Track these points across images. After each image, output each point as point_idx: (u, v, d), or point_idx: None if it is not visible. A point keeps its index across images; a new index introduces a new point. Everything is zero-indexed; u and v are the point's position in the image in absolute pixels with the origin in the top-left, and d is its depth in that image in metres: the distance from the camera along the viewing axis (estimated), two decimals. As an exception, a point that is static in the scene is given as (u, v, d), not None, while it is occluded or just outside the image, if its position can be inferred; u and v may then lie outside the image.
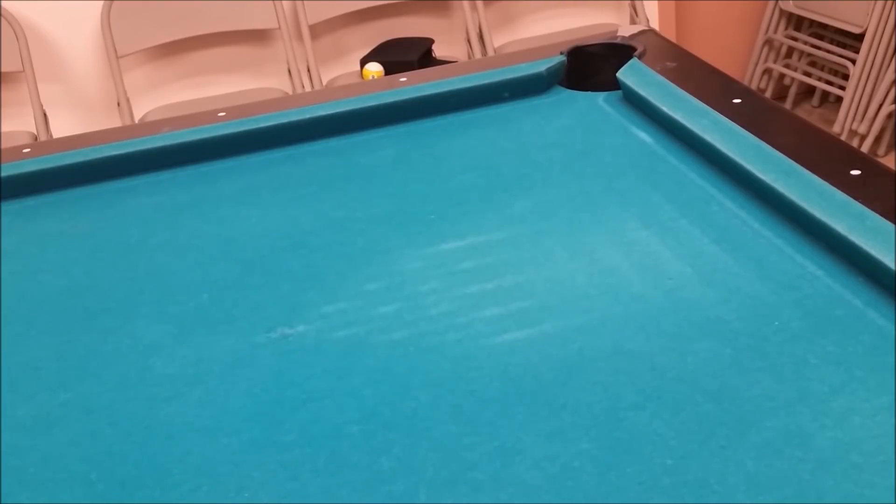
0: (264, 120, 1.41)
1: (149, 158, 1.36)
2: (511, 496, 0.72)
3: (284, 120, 1.41)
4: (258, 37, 2.95)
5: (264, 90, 2.90)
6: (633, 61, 1.44)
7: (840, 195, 0.99)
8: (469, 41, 3.07)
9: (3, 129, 2.71)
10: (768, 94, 3.48)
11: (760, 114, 1.24)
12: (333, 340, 0.94)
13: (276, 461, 0.78)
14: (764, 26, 3.48)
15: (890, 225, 0.92)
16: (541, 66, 1.48)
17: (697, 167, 1.19)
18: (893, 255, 0.89)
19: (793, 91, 3.50)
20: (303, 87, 2.89)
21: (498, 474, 0.74)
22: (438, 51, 2.98)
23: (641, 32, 1.56)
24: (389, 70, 2.70)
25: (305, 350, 0.93)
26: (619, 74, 1.42)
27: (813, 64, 3.44)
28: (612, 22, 3.17)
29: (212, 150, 1.38)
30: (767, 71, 3.53)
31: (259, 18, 2.85)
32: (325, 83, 2.92)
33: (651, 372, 0.84)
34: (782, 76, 3.51)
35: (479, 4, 3.03)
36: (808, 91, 3.53)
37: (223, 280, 1.08)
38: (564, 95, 1.48)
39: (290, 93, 2.88)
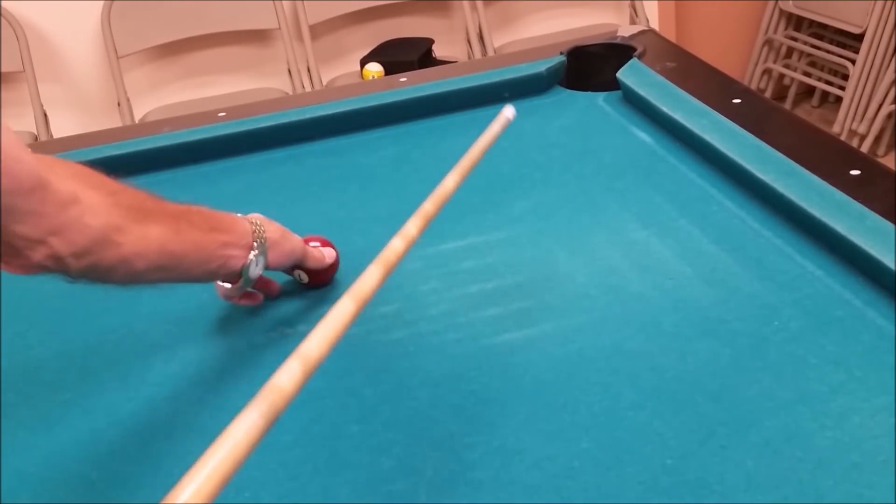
0: (264, 120, 1.41)
1: (149, 158, 1.36)
2: (511, 496, 0.72)
3: (284, 120, 1.41)
4: (258, 37, 2.95)
5: (264, 90, 2.90)
6: (633, 61, 1.44)
7: (840, 195, 0.99)
8: (469, 41, 3.07)
9: (4, 130, 2.71)
10: (768, 95, 3.48)
11: (760, 114, 1.25)
12: (333, 340, 0.94)
13: (276, 461, 0.78)
14: (764, 26, 3.49)
15: (890, 225, 0.92)
16: (541, 66, 1.48)
17: (697, 167, 1.19)
18: (893, 254, 0.89)
19: (792, 91, 3.50)
20: (303, 87, 2.89)
21: (498, 474, 0.74)
22: (438, 51, 2.98)
23: (641, 32, 1.56)
24: (389, 70, 2.71)
25: (305, 350, 0.93)
26: (619, 74, 1.42)
27: (813, 64, 3.44)
28: (611, 22, 3.18)
29: (212, 150, 1.38)
30: (767, 71, 3.53)
31: (259, 18, 2.85)
32: (325, 83, 2.93)
33: (651, 372, 0.84)
34: (782, 76, 3.51)
35: (479, 4, 3.04)
36: (807, 91, 3.53)
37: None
38: (564, 95, 1.48)
39: (290, 93, 2.88)
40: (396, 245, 0.74)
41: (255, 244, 0.88)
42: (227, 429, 0.52)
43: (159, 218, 0.79)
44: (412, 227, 0.78)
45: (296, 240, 0.96)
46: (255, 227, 0.90)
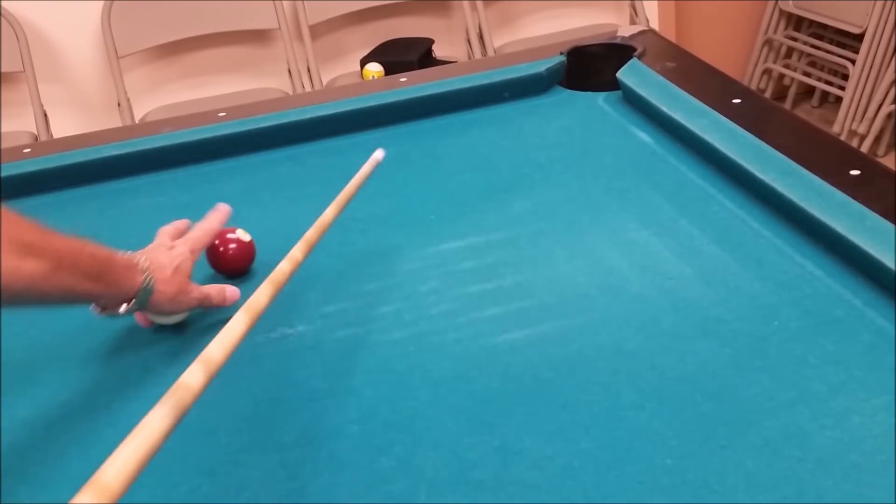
0: (264, 120, 1.41)
1: (149, 158, 1.36)
2: (511, 496, 0.72)
3: (284, 120, 1.41)
4: (258, 37, 2.95)
5: (264, 90, 2.90)
6: (633, 61, 1.44)
7: (839, 195, 0.99)
8: (469, 41, 3.07)
9: (4, 129, 2.71)
10: (768, 95, 3.48)
11: (760, 114, 1.25)
12: (333, 340, 0.94)
13: (276, 461, 0.78)
14: (763, 26, 3.49)
15: (889, 225, 0.92)
16: (541, 67, 1.48)
17: (697, 167, 1.19)
18: (893, 254, 0.89)
19: (792, 91, 3.50)
20: (303, 87, 2.89)
21: (498, 474, 0.74)
22: (438, 51, 2.98)
23: (641, 32, 1.56)
24: (389, 70, 2.71)
25: (305, 350, 0.93)
26: (619, 74, 1.42)
27: (812, 64, 3.44)
28: (611, 22, 3.18)
29: (212, 150, 1.38)
30: (767, 71, 3.53)
31: (259, 18, 2.85)
32: (325, 83, 2.92)
33: (651, 372, 0.84)
34: (782, 76, 3.51)
35: (479, 4, 3.04)
36: (807, 91, 3.53)
37: (223, 280, 1.08)
38: (564, 95, 1.48)
39: (290, 93, 2.88)
40: (284, 267, 0.84)
41: (133, 299, 0.87)
42: (141, 422, 0.60)
43: (40, 253, 0.75)
44: (298, 252, 0.88)
45: (186, 289, 0.94)
46: (144, 277, 0.87)
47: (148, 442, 0.59)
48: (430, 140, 1.38)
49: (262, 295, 0.78)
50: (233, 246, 1.06)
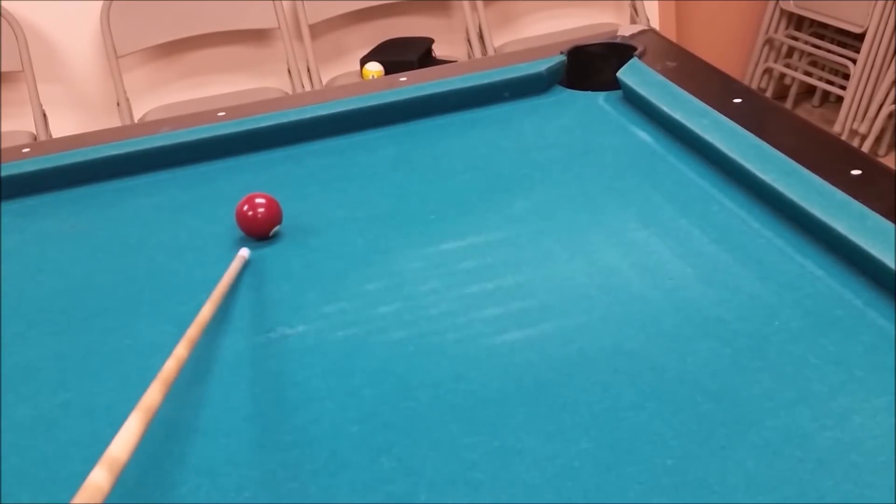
0: (264, 120, 1.41)
1: (149, 158, 1.36)
2: (511, 496, 0.72)
3: (284, 120, 1.41)
4: (258, 37, 2.95)
5: (264, 90, 2.90)
6: (634, 61, 1.44)
7: (840, 195, 0.99)
8: (469, 41, 3.07)
9: (3, 129, 2.71)
10: (769, 94, 3.48)
11: (761, 114, 1.24)
12: (333, 340, 0.94)
13: (276, 461, 0.78)
14: (764, 26, 3.49)
15: (890, 225, 0.92)
16: (541, 66, 1.48)
17: (697, 167, 1.19)
18: (894, 254, 0.89)
19: (793, 91, 3.50)
20: (303, 87, 2.89)
21: (498, 474, 0.74)
22: (438, 51, 2.98)
23: (641, 32, 1.56)
24: (389, 70, 2.71)
25: (305, 350, 0.93)
26: (620, 74, 1.42)
27: (813, 64, 3.44)
28: (612, 22, 3.18)
29: (212, 150, 1.38)
30: (768, 71, 3.53)
31: (259, 18, 2.85)
32: (325, 83, 2.92)
33: (651, 372, 0.84)
34: (783, 76, 3.51)
35: (479, 4, 3.04)
36: (808, 91, 3.53)
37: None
38: (564, 95, 1.48)
39: (290, 93, 2.88)
40: (170, 365, 0.79)
41: None
42: None
43: None
44: (182, 349, 0.83)
45: None
46: None
47: None
48: (430, 140, 1.38)
49: (154, 393, 0.74)
50: (261, 210, 1.13)
